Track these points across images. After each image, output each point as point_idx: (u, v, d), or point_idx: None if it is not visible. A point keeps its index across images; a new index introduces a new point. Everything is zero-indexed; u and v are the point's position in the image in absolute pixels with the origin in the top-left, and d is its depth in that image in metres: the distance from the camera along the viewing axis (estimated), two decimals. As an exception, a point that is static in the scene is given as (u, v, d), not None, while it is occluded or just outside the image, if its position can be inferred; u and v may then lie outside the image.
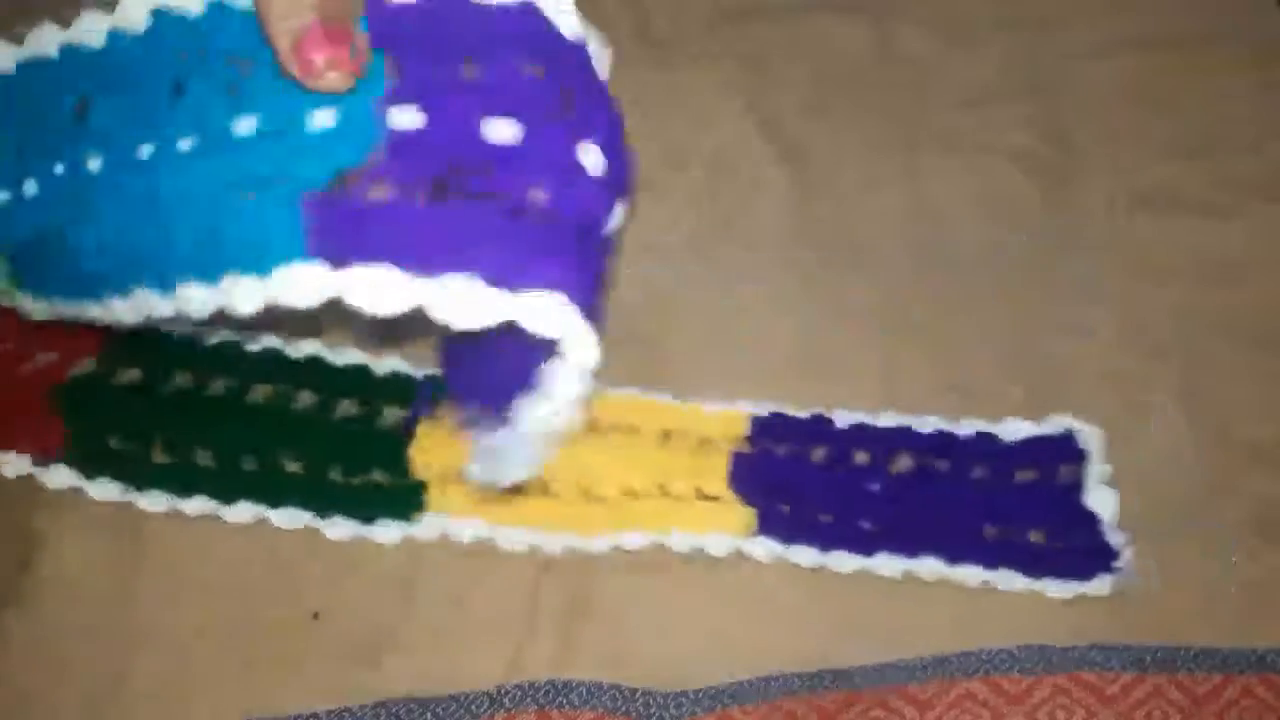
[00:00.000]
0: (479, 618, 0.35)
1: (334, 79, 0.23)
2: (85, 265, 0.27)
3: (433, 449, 0.37)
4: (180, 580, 0.36)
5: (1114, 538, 0.36)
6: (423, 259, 0.23)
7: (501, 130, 0.24)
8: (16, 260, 0.30)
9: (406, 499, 0.37)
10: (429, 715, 0.34)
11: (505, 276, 0.23)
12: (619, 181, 0.26)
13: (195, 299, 0.25)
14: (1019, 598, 0.35)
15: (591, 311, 0.25)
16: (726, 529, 0.36)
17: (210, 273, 0.24)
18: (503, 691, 0.34)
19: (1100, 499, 0.36)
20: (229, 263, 0.24)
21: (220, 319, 0.25)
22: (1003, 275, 0.42)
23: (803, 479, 0.37)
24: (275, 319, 0.25)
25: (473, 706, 0.34)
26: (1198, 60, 0.47)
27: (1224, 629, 0.35)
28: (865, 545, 0.36)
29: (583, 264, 0.24)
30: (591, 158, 0.25)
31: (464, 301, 0.23)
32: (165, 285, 0.25)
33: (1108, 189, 0.44)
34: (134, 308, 0.27)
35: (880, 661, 0.34)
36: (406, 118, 0.24)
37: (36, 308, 0.31)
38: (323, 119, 0.24)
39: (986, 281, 0.42)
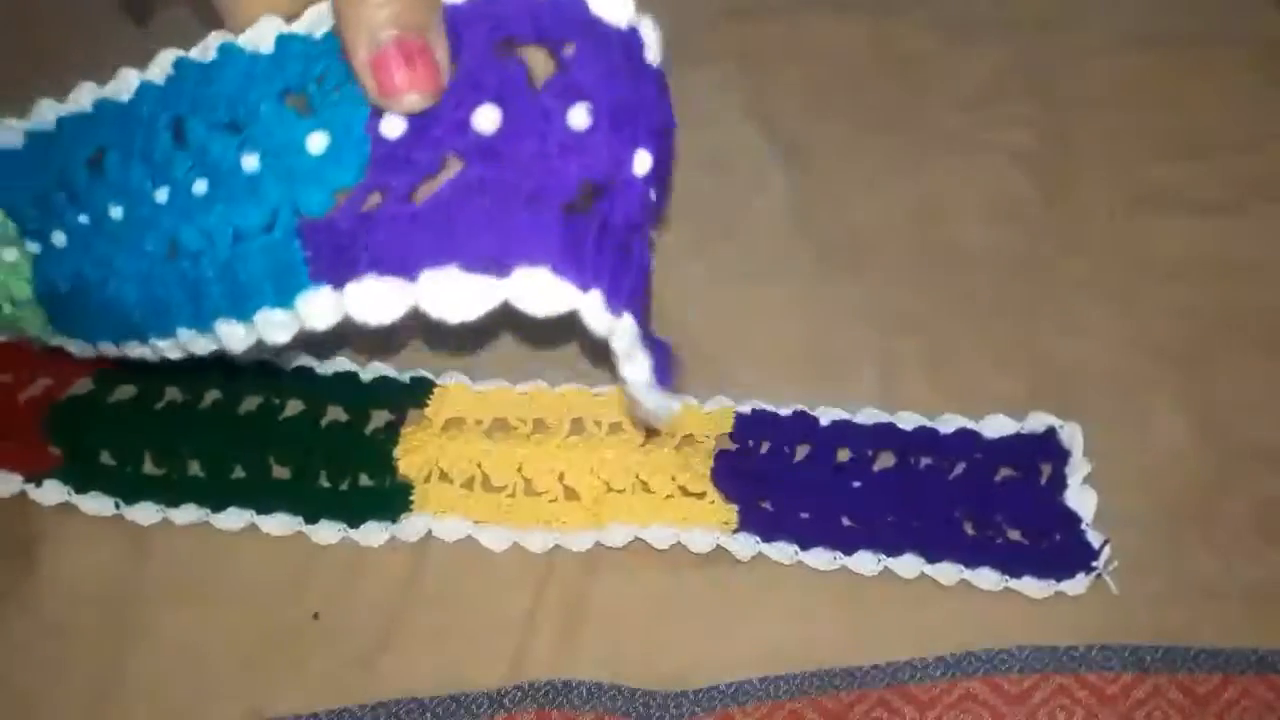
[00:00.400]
0: (479, 618, 0.35)
1: (413, 100, 0.23)
2: (122, 312, 0.28)
3: (418, 449, 0.37)
4: (181, 581, 0.36)
5: (1093, 537, 0.36)
6: (403, 261, 0.23)
7: (486, 117, 0.24)
8: (53, 309, 0.30)
9: (393, 500, 0.37)
10: (429, 715, 0.34)
11: (484, 261, 0.23)
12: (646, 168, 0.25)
13: (233, 336, 0.26)
14: (1018, 598, 0.35)
15: (614, 302, 0.24)
16: (706, 525, 0.36)
17: (242, 310, 0.25)
18: (503, 692, 0.34)
19: (1081, 498, 0.36)
20: (256, 298, 0.25)
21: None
22: (1003, 275, 0.42)
23: (784, 475, 0.37)
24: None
25: (473, 707, 0.34)
26: (1198, 60, 0.47)
27: (1224, 629, 0.35)
28: (845, 542, 0.36)
29: (585, 245, 0.24)
30: (580, 117, 0.24)
31: (449, 294, 0.23)
32: (202, 325, 0.26)
33: (1108, 189, 0.44)
34: (176, 346, 0.28)
35: (881, 661, 0.34)
36: (391, 125, 0.24)
37: (74, 346, 0.32)
38: (318, 142, 0.24)
39: (986, 281, 0.42)
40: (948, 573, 0.35)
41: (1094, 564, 0.35)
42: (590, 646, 0.35)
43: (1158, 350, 0.40)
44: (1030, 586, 0.35)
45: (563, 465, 0.37)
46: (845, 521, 0.36)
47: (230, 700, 0.34)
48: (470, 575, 0.36)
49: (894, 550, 0.36)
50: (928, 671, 0.34)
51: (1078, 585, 0.35)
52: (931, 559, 0.35)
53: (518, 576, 0.36)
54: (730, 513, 0.36)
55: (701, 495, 0.36)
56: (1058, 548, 0.36)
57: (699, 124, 0.46)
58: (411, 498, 0.37)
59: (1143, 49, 0.48)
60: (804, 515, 0.36)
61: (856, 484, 0.37)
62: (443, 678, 0.34)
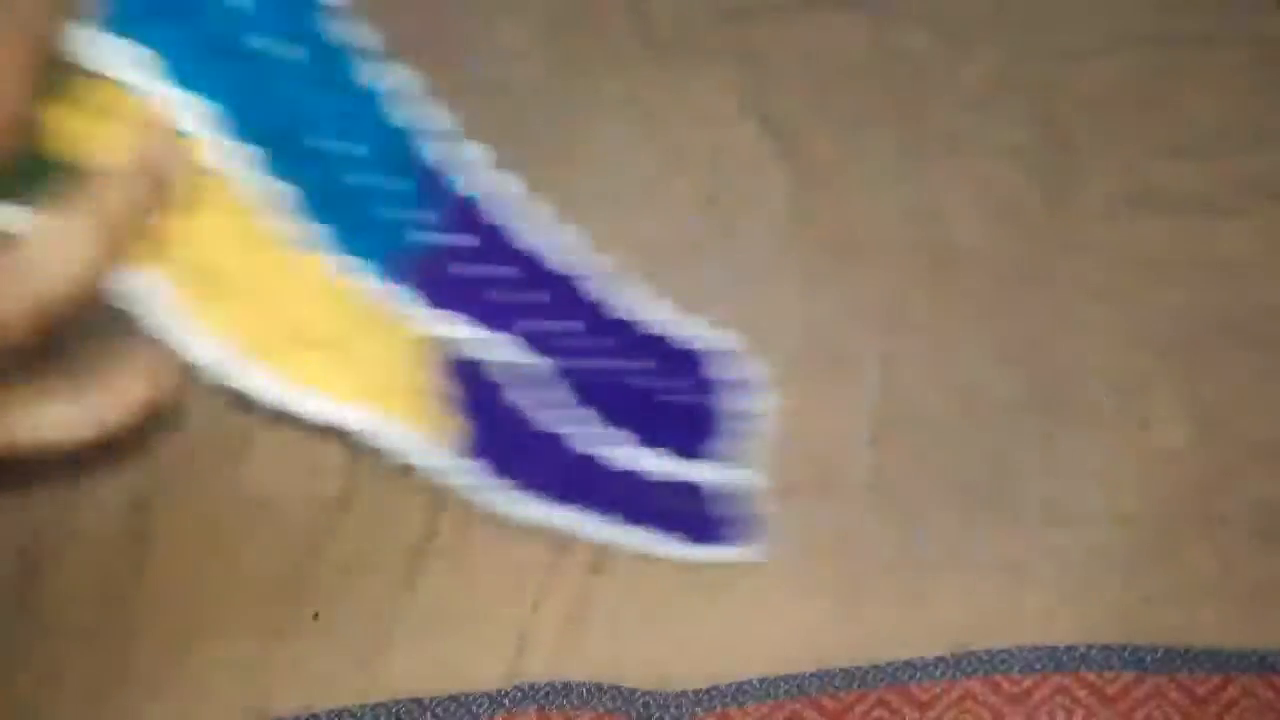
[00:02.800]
0: (479, 618, 0.35)
1: None
2: None
3: None
4: (181, 581, 0.36)
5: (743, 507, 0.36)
6: None
7: None
8: None
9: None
10: (429, 715, 0.34)
11: None
12: None
13: None
14: (1018, 598, 0.35)
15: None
16: (431, 430, 0.30)
17: None
18: (503, 692, 0.34)
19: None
20: None
21: None
22: (1003, 275, 0.42)
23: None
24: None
25: (473, 707, 0.34)
26: (1198, 60, 0.47)
27: (1224, 629, 0.35)
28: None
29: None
30: None
31: None
32: None
33: (1108, 189, 0.44)
34: None
35: (881, 662, 0.35)
36: None
37: None
38: None
39: (986, 281, 0.42)
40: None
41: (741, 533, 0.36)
42: (590, 646, 0.35)
43: (1158, 350, 0.40)
44: (691, 552, 0.36)
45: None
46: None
47: (230, 699, 0.34)
48: (471, 575, 0.36)
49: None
50: (928, 671, 0.34)
51: (732, 553, 0.36)
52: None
53: (519, 577, 0.36)
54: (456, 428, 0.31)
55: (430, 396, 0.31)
56: (711, 518, 0.36)
57: (699, 124, 0.46)
58: None
59: (1142, 49, 0.48)
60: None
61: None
62: (443, 678, 0.34)
